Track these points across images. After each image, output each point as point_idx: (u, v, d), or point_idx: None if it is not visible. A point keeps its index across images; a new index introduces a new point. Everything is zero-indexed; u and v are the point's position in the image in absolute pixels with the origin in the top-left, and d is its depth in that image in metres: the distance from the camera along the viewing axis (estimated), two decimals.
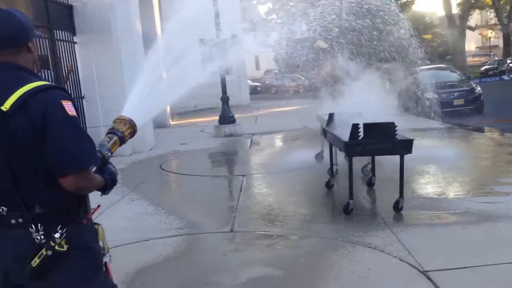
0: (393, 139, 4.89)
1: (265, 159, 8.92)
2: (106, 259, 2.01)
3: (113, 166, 2.05)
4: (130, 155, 9.27)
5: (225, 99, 12.33)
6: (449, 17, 27.28)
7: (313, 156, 7.72)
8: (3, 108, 1.70)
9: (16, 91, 1.71)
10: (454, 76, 16.25)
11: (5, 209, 1.78)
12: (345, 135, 5.06)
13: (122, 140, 2.16)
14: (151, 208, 5.74)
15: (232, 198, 6.19)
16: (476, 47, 53.54)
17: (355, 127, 4.88)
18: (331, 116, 6.22)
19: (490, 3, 34.12)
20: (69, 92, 2.10)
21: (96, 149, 1.95)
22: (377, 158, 6.01)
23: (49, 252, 1.71)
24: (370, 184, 6.04)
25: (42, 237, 1.74)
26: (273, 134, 12.02)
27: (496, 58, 37.34)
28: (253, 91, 29.96)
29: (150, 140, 10.27)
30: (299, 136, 11.19)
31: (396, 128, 4.87)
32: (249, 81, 27.04)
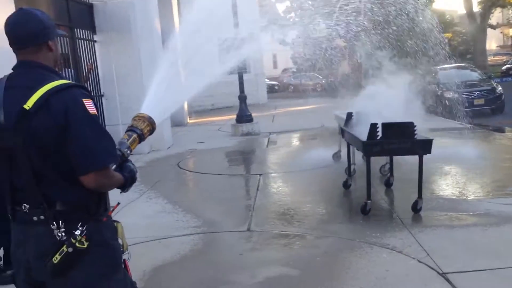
0: (412, 139, 4.84)
1: (282, 158, 8.91)
2: (125, 256, 2.03)
3: (133, 164, 2.07)
4: (148, 153, 9.34)
5: (242, 98, 12.34)
6: (470, 15, 26.90)
7: (331, 156, 7.68)
8: (25, 106, 1.72)
9: (38, 89, 1.74)
10: (474, 75, 16.00)
11: (27, 206, 1.81)
12: (363, 135, 5.03)
13: (141, 138, 2.18)
14: (169, 206, 5.78)
15: (249, 197, 6.19)
16: (497, 46, 52.65)
17: (373, 126, 4.84)
18: (349, 115, 6.19)
19: None
20: (89, 90, 2.13)
21: (116, 147, 1.97)
22: (395, 158, 5.96)
23: (70, 249, 1.73)
24: (388, 184, 5.99)
25: (63, 234, 1.77)
26: (291, 133, 12.00)
27: None
28: (271, 89, 29.92)
29: (168, 138, 10.34)
30: (316, 135, 11.14)
31: (415, 128, 4.82)
32: (266, 79, 27.01)
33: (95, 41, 9.28)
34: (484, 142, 9.21)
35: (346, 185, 6.05)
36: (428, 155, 4.89)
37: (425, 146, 4.86)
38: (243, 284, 3.64)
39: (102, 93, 9.30)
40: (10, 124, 1.75)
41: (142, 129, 2.19)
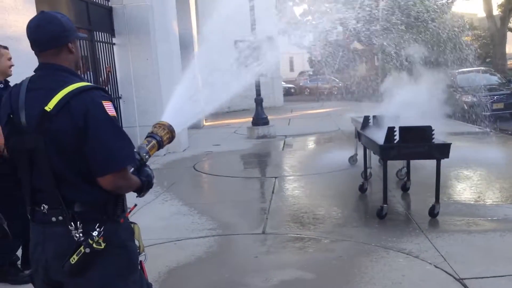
0: (430, 143, 4.80)
1: (298, 161, 8.89)
2: (141, 258, 2.05)
3: (150, 169, 2.09)
4: (164, 155, 9.40)
5: (259, 101, 12.36)
6: (490, 18, 26.53)
7: (347, 159, 7.65)
8: (47, 108, 1.75)
9: (59, 91, 1.77)
10: (493, 79, 15.80)
11: (46, 207, 1.84)
12: (380, 138, 5.00)
13: (160, 144, 2.21)
14: (184, 208, 5.81)
15: (264, 200, 6.19)
16: None
17: (390, 130, 4.81)
18: (366, 118, 6.16)
19: None
20: (109, 92, 2.17)
21: (135, 150, 2.00)
22: (412, 161, 5.91)
23: (87, 250, 1.75)
24: (404, 188, 5.94)
25: (81, 234, 1.79)
26: (307, 136, 11.97)
27: None
28: (287, 92, 29.90)
29: (184, 140, 10.40)
30: (332, 139, 11.11)
31: (433, 132, 4.77)
32: (283, 82, 26.99)
33: (114, 44, 9.38)
34: (503, 147, 9.08)
35: (362, 189, 6.02)
36: (445, 159, 4.84)
37: (442, 150, 4.81)
38: (257, 287, 3.64)
39: (119, 95, 9.40)
40: (31, 126, 1.78)
41: (162, 136, 2.22)
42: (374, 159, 6.46)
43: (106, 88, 7.84)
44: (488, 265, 3.72)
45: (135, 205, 2.14)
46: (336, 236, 4.59)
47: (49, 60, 1.87)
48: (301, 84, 34.47)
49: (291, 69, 44.05)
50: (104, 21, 9.11)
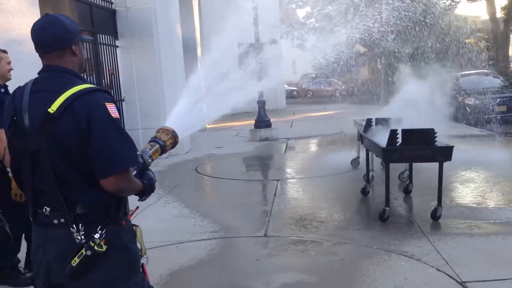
0: (433, 145, 4.80)
1: (300, 164, 8.89)
2: (143, 260, 2.05)
3: (153, 173, 2.10)
4: (167, 157, 9.40)
5: (261, 103, 12.36)
6: (493, 21, 26.50)
7: (349, 162, 7.65)
8: (50, 110, 1.76)
9: (62, 93, 1.77)
10: (496, 82, 15.77)
11: (48, 209, 1.84)
12: (382, 141, 5.00)
13: (163, 149, 2.23)
14: (186, 210, 5.81)
15: (266, 203, 6.19)
16: None
17: (393, 133, 4.81)
18: (368, 121, 6.16)
19: None
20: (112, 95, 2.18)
21: (138, 153, 2.00)
22: (414, 164, 5.91)
23: (89, 252, 1.75)
24: (407, 191, 5.94)
25: (83, 237, 1.79)
26: (309, 139, 11.97)
27: None
28: (289, 95, 29.89)
29: (186, 143, 10.41)
30: (335, 141, 11.10)
31: (435, 135, 4.77)
32: (285, 85, 26.99)
33: (117, 46, 9.41)
34: (506, 150, 9.06)
35: (364, 192, 6.01)
36: (448, 162, 4.84)
37: (445, 153, 4.81)
38: None
39: (122, 98, 9.42)
40: (34, 127, 1.79)
41: (165, 141, 2.24)
42: (377, 161, 6.45)
43: (110, 91, 7.85)
44: (490, 269, 3.71)
45: (137, 207, 2.15)
46: (338, 239, 4.59)
47: (53, 62, 1.88)
48: (303, 86, 34.48)
49: (294, 72, 44.02)
50: (108, 23, 9.14)
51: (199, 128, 2.74)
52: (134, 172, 1.95)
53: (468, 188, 6.25)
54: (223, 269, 4.03)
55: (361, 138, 6.25)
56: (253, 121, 12.42)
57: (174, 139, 2.28)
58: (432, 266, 3.81)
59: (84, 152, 1.76)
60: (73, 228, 1.80)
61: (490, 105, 13.39)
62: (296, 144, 11.10)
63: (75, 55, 1.92)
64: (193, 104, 2.55)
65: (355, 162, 7.60)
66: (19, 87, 1.94)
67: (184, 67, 10.69)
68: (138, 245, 2.01)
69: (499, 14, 27.71)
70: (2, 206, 3.32)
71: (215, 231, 4.98)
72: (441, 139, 4.90)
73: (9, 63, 3.75)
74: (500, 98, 14.05)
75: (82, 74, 2.01)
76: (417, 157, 5.08)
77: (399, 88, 6.65)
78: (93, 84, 1.95)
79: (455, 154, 4.85)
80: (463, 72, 14.17)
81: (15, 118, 1.85)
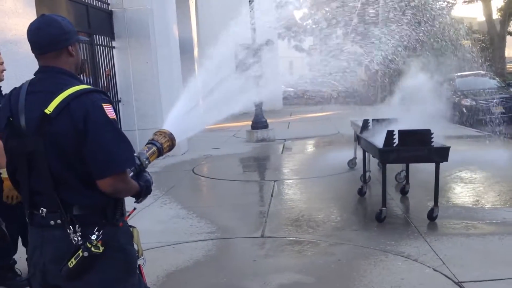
0: (429, 146, 4.81)
1: (297, 165, 8.89)
2: (140, 261, 2.04)
3: (149, 175, 2.10)
4: (164, 158, 9.38)
5: (258, 104, 12.35)
6: (489, 22, 26.59)
7: (346, 163, 7.66)
8: (46, 111, 1.75)
9: (59, 94, 1.77)
10: (493, 83, 15.82)
11: (44, 210, 1.84)
12: (379, 142, 5.01)
13: (160, 152, 2.23)
14: (183, 211, 5.81)
15: (263, 204, 6.19)
16: None
17: (389, 133, 4.82)
18: (365, 122, 6.17)
19: None
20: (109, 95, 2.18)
21: (135, 155, 2.00)
22: (411, 165, 5.92)
23: (86, 254, 1.75)
24: (403, 191, 5.95)
25: (80, 238, 1.79)
26: (306, 139, 11.98)
27: None
28: (286, 96, 29.83)
29: (183, 144, 10.40)
30: (332, 142, 11.11)
31: (432, 136, 4.78)
32: (282, 86, 26.96)
33: (114, 47, 9.39)
34: (502, 150, 9.08)
35: (361, 192, 6.02)
36: (444, 162, 4.85)
37: (442, 154, 4.82)
38: None
39: (119, 99, 9.40)
40: (31, 128, 1.79)
41: (162, 143, 2.25)
42: (373, 162, 6.46)
43: (107, 92, 7.84)
44: (486, 269, 3.72)
45: (134, 208, 2.15)
46: (335, 240, 4.59)
47: (49, 63, 1.88)
48: (300, 87, 34.41)
49: (291, 73, 44.01)
50: (104, 24, 9.12)
51: (197, 132, 2.74)
52: (131, 174, 1.95)
53: (465, 189, 6.27)
54: (220, 270, 4.03)
55: (358, 139, 6.26)
56: (250, 122, 12.42)
57: (171, 141, 2.29)
58: (428, 267, 3.82)
59: (80, 153, 1.76)
60: (69, 229, 1.80)
61: (487, 106, 13.43)
62: (293, 145, 11.11)
63: (71, 56, 1.92)
64: (190, 108, 2.55)
65: (352, 162, 7.62)
66: (15, 88, 1.94)
67: (181, 68, 10.69)
68: (135, 246, 2.01)
69: (496, 15, 27.80)
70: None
71: (212, 232, 4.98)
72: (438, 140, 4.92)
73: (1, 63, 3.72)
74: (496, 99, 14.09)
75: (80, 75, 2.00)
76: (413, 157, 5.10)
77: (396, 88, 6.68)
78: (90, 85, 1.95)
79: (451, 155, 4.86)
80: (459, 73, 14.22)
81: (11, 119, 1.85)
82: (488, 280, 3.54)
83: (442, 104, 6.21)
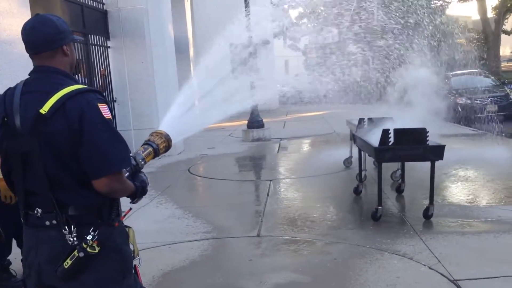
0: (424, 145, 4.82)
1: (293, 164, 8.90)
2: (135, 262, 2.04)
3: (145, 176, 2.09)
4: (159, 158, 9.36)
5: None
6: (484, 21, 26.68)
7: (342, 161, 7.67)
8: (41, 111, 1.75)
9: (54, 94, 1.76)
10: (487, 81, 15.88)
11: (39, 210, 1.83)
12: (375, 141, 5.02)
13: (156, 152, 2.23)
14: (179, 211, 5.80)
15: (259, 203, 6.19)
16: (511, 52, 52.09)
17: (385, 132, 4.83)
18: (360, 121, 6.18)
19: None
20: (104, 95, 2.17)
21: (131, 155, 2.00)
22: (407, 163, 5.93)
23: (81, 254, 1.75)
24: (399, 190, 5.96)
25: (75, 238, 1.78)
26: (302, 139, 11.99)
27: None
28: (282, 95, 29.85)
29: (179, 143, 10.38)
30: (327, 141, 11.13)
31: (427, 134, 4.79)
32: (278, 85, 26.97)
33: (109, 47, 9.36)
34: (497, 149, 9.12)
35: (357, 191, 6.03)
36: (440, 161, 4.87)
37: (437, 152, 4.84)
38: None
39: (114, 99, 9.38)
40: (26, 128, 1.78)
41: (158, 144, 2.24)
42: (369, 161, 6.47)
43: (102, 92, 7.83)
44: (482, 267, 3.74)
45: (130, 208, 2.14)
46: (331, 239, 4.60)
47: (44, 62, 1.87)
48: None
49: (286, 72, 44.03)
50: (99, 24, 9.10)
51: (194, 133, 2.75)
52: (127, 174, 1.94)
53: (460, 187, 6.29)
54: (216, 270, 4.03)
55: (353, 137, 6.27)
56: (246, 121, 12.41)
57: (168, 142, 2.29)
58: (424, 265, 3.83)
59: (76, 153, 1.75)
60: (65, 229, 1.79)
61: (482, 104, 13.49)
62: (289, 144, 11.12)
63: (66, 55, 1.91)
64: (187, 109, 2.55)
65: (347, 161, 7.63)
66: (10, 88, 1.93)
67: (176, 68, 10.67)
68: (131, 246, 2.00)
69: (490, 14, 27.92)
70: None
71: (208, 232, 4.97)
72: (433, 139, 4.93)
73: None
74: (491, 97, 14.15)
75: (75, 75, 2.00)
76: (409, 156, 5.11)
77: (391, 88, 6.69)
78: (85, 85, 1.94)
79: (446, 153, 4.88)
80: (454, 72, 14.26)
81: (6, 119, 1.84)
82: (483, 278, 3.55)
83: (437, 103, 6.22)
